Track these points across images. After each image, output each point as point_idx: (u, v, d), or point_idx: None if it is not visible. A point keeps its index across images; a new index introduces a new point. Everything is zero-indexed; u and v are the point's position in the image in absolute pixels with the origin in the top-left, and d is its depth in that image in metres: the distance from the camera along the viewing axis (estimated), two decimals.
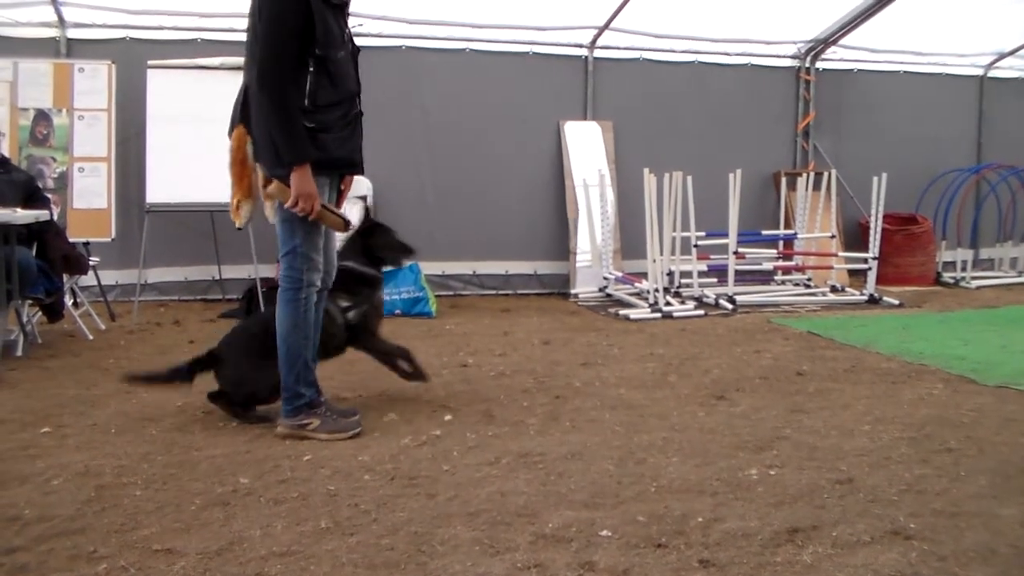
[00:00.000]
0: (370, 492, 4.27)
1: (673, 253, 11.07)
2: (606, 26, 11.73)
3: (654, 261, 10.27)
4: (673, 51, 12.47)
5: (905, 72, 13.96)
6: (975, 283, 12.91)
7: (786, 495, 4.22)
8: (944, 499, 4.20)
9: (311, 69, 4.88)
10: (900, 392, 6.37)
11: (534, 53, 11.98)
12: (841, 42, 12.98)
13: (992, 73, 14.68)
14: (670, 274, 11.17)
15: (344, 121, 5.11)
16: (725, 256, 10.75)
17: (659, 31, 12.10)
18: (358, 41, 5.38)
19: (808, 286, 11.85)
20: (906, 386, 6.57)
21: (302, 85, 4.87)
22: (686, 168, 11.16)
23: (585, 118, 12.17)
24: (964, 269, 13.30)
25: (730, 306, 10.29)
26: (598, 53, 12.17)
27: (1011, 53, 14.32)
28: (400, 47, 11.46)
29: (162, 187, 9.67)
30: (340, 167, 5.25)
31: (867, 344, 8.20)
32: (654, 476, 4.51)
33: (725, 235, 10.70)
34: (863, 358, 7.63)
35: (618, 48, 12.24)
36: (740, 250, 10.95)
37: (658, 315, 9.79)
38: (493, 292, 11.71)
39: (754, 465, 4.68)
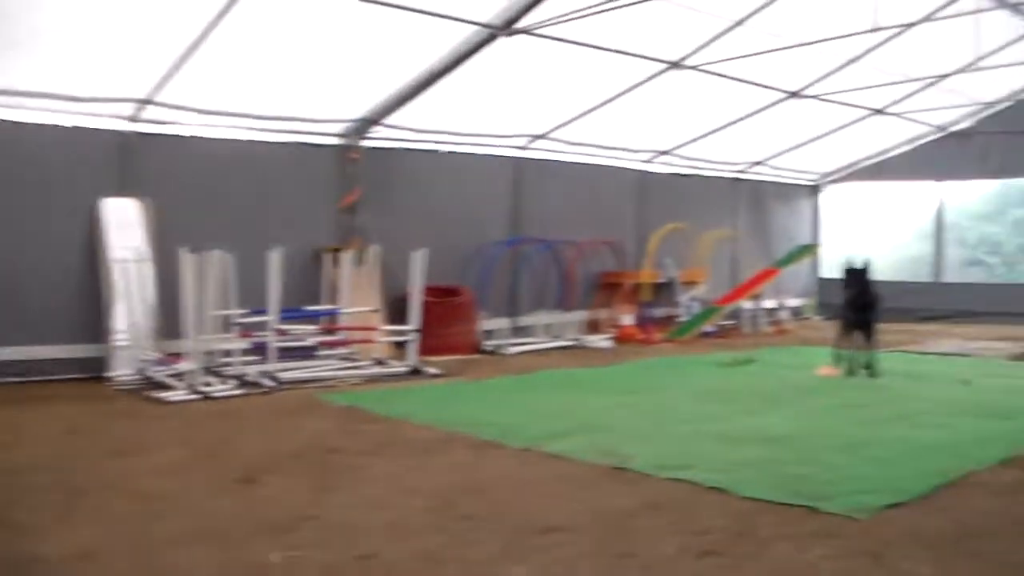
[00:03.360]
0: None
1: (215, 332, 10.77)
2: (148, 100, 11.27)
3: (194, 341, 9.94)
4: (218, 126, 12.20)
5: (448, 152, 14.61)
6: (513, 350, 13.65)
7: None
8: (460, 565, 4.32)
9: None
10: (430, 461, 6.53)
11: (74, 126, 11.26)
12: (386, 121, 13.32)
13: (526, 154, 15.73)
14: (211, 353, 10.85)
15: None
16: (266, 333, 10.60)
17: (204, 106, 11.77)
18: None
19: (353, 360, 11.95)
20: (437, 455, 6.75)
21: None
22: (232, 245, 10.91)
23: (124, 195, 11.60)
24: (503, 337, 14.02)
25: (272, 383, 10.14)
26: (139, 127, 11.66)
27: (542, 136, 15.43)
28: None
29: None
30: None
31: (405, 415, 8.37)
32: (173, 572, 4.28)
33: (267, 312, 10.57)
34: (400, 429, 7.77)
35: (161, 123, 11.78)
36: (282, 327, 10.85)
37: (197, 396, 9.45)
38: (18, 379, 10.67)
39: (278, 548, 4.56)
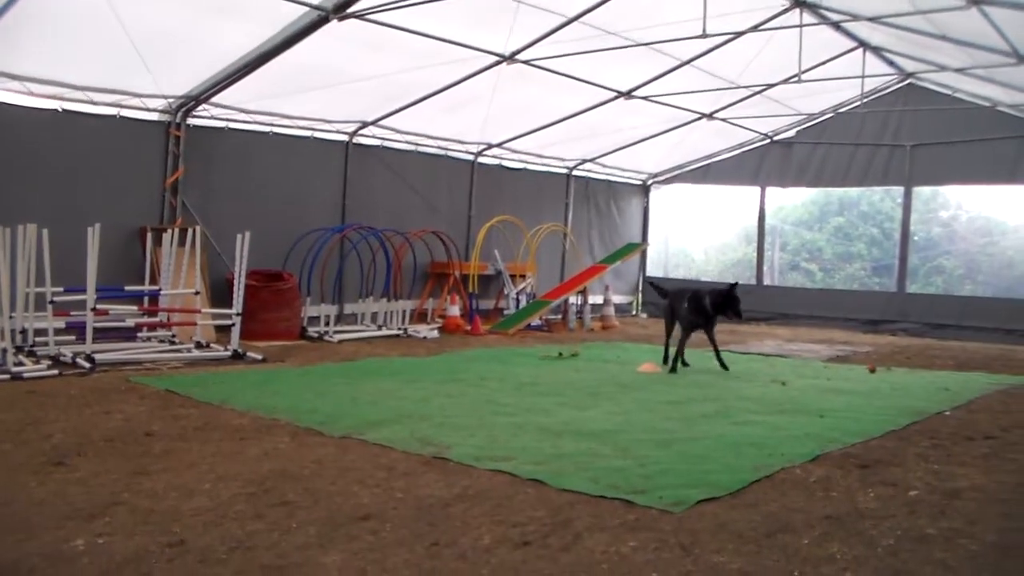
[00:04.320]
0: None
1: (28, 310, 10.32)
2: None
3: (4, 318, 9.50)
4: (33, 95, 11.66)
5: (275, 133, 14.38)
6: (338, 337, 13.53)
7: (112, 564, 4.03)
8: (272, 553, 4.25)
9: None
10: (248, 448, 6.41)
11: None
12: (214, 100, 13.05)
13: (356, 139, 15.61)
14: (24, 332, 10.40)
15: None
16: (83, 312, 10.22)
17: (15, 71, 11.23)
18: None
19: (173, 342, 11.65)
20: (254, 441, 6.63)
21: None
22: (47, 220, 10.50)
23: None
24: (328, 324, 13.89)
25: (88, 365, 9.77)
26: None
27: (373, 123, 15.34)
28: None
29: None
30: None
31: (224, 400, 8.20)
32: None
33: (84, 291, 10.19)
34: (218, 415, 7.61)
35: None
36: (102, 306, 10.49)
37: (6, 376, 9.03)
38: None
39: (83, 535, 4.41)
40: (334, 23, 11.23)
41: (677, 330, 11.91)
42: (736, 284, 11.69)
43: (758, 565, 4.33)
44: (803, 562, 4.39)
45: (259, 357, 11.11)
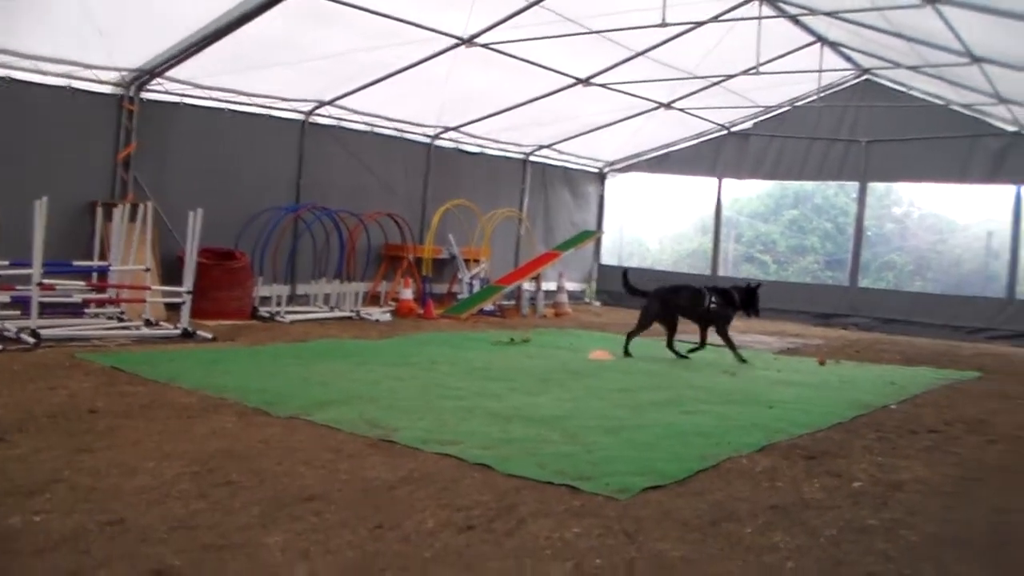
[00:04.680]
0: None
1: None
2: None
3: None
4: None
5: (231, 110, 14.23)
6: (289, 317, 13.45)
7: (49, 542, 3.98)
8: (214, 532, 4.22)
9: None
10: (194, 427, 6.36)
11: None
12: (167, 74, 12.87)
13: (312, 119, 15.50)
14: None
15: None
16: (29, 287, 10.05)
17: None
18: None
19: (121, 319, 11.51)
20: (201, 420, 6.58)
21: None
22: None
23: None
24: (280, 304, 13.79)
25: (32, 340, 9.62)
26: None
27: (330, 102, 15.23)
28: None
29: None
30: None
31: (172, 379, 8.12)
32: None
33: (31, 265, 10.01)
34: (164, 393, 7.53)
35: None
36: (48, 281, 10.32)
37: None
38: None
39: (20, 512, 4.35)
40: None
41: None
42: (760, 284, 12.43)
43: (701, 553, 4.36)
44: (746, 551, 4.43)
45: (209, 336, 11.01)
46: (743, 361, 11.76)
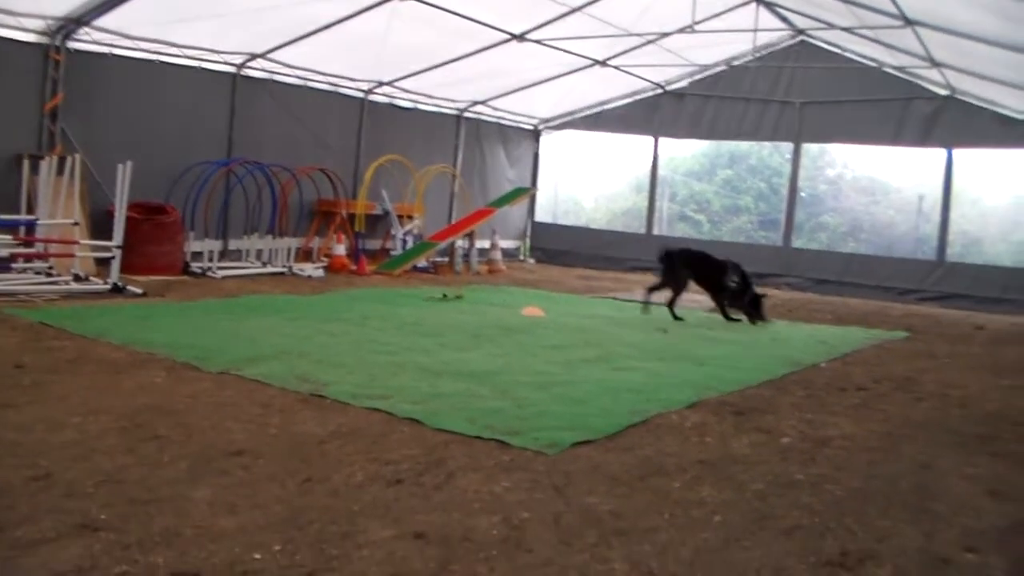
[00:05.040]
0: None
1: None
2: None
3: None
4: None
5: (161, 62, 14.00)
6: (221, 273, 13.34)
7: None
8: (141, 487, 4.22)
9: None
10: (122, 382, 6.32)
11: None
12: (95, 23, 12.58)
13: (244, 72, 15.29)
14: None
15: None
16: None
17: None
18: None
19: (50, 274, 11.33)
20: (129, 375, 6.54)
21: None
22: None
23: None
24: (212, 259, 13.67)
25: None
26: None
27: (262, 55, 15.03)
28: None
29: None
30: None
31: (100, 334, 8.04)
32: None
33: None
34: (92, 348, 7.47)
35: None
36: None
37: None
38: None
39: None
40: None
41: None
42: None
43: (629, 507, 4.44)
44: (674, 504, 4.52)
45: (139, 291, 10.89)
46: (732, 320, 12.21)
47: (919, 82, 17.88)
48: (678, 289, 12.37)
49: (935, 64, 15.53)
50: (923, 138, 18.42)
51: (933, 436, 6.38)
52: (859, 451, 5.81)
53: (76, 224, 11.53)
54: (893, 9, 12.42)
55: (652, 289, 12.52)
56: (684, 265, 12.41)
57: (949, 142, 18.21)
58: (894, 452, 5.85)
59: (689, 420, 6.33)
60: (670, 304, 12.19)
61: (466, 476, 4.72)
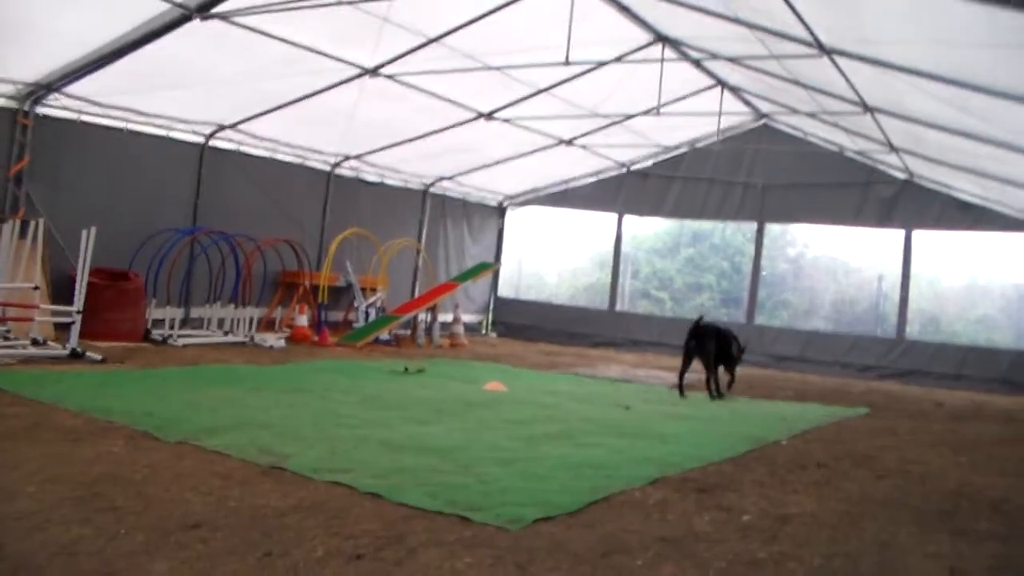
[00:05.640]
0: None
1: None
2: None
3: None
4: None
5: (129, 130, 14.04)
6: (182, 341, 13.25)
7: None
8: (97, 559, 4.15)
9: None
10: (80, 450, 6.23)
11: None
12: (65, 90, 12.65)
13: (212, 143, 15.35)
14: None
15: None
16: None
17: None
18: None
19: (7, 338, 11.20)
20: (87, 444, 6.45)
21: None
22: None
23: None
24: (173, 327, 13.58)
25: None
26: None
27: (230, 127, 15.11)
28: None
29: None
30: None
31: (57, 400, 7.94)
32: None
33: None
34: (49, 415, 7.36)
35: None
36: None
37: None
38: None
39: None
40: (196, 22, 11.04)
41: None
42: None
43: None
44: None
45: (99, 357, 10.78)
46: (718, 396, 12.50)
47: (879, 166, 18.28)
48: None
49: (893, 149, 15.85)
50: (883, 219, 18.78)
51: (894, 514, 6.39)
52: (820, 528, 5.80)
53: (36, 288, 11.42)
54: (854, 96, 12.68)
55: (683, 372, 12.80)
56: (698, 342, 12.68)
57: (908, 223, 18.58)
58: (855, 530, 5.85)
59: (651, 497, 6.31)
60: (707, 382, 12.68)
61: (428, 552, 4.67)
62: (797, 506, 6.37)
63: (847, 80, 11.92)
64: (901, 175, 18.15)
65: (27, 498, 5.01)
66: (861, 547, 5.45)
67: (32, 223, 11.68)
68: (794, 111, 16.64)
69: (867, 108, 13.11)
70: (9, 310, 11.43)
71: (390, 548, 4.68)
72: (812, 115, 16.02)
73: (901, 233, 18.82)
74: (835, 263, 29.36)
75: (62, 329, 11.58)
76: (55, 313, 11.63)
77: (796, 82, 13.74)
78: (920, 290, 22.55)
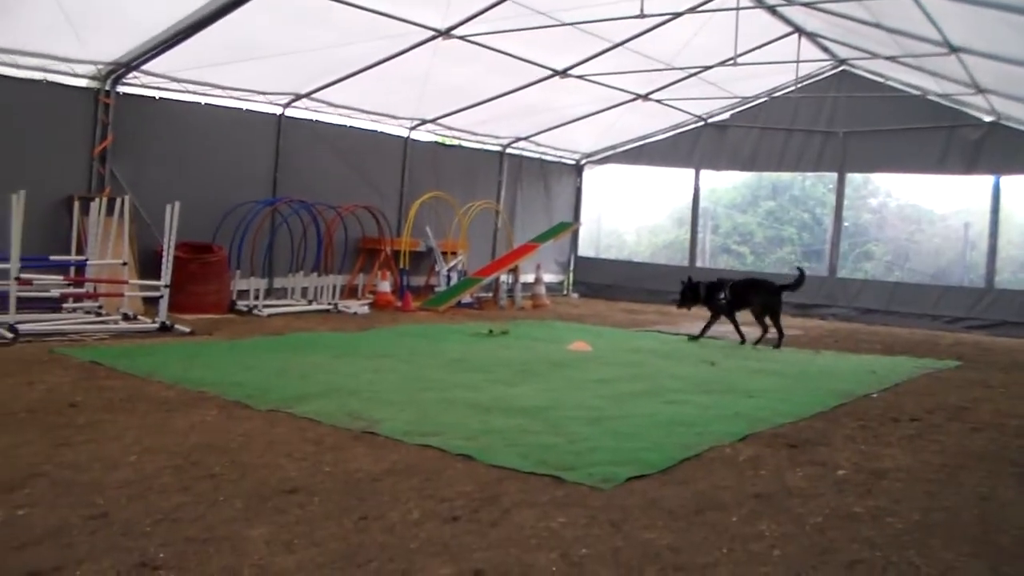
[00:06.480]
0: None
1: None
2: None
3: None
4: None
5: (207, 104, 14.18)
6: (267, 311, 13.41)
7: (32, 536, 3.97)
8: (198, 525, 4.22)
9: None
10: (174, 420, 6.34)
11: None
12: (144, 68, 12.81)
13: (289, 112, 15.45)
14: None
15: None
16: (6, 282, 9.98)
17: None
18: None
19: (99, 314, 11.44)
20: (181, 414, 6.56)
21: None
22: None
23: None
24: (257, 298, 13.76)
25: (10, 335, 9.55)
26: None
27: (306, 95, 15.18)
28: None
29: None
30: None
31: (150, 373, 8.09)
32: None
33: (8, 259, 9.94)
34: (143, 387, 7.50)
35: None
36: (26, 276, 10.24)
37: None
38: None
39: (1, 507, 4.33)
40: None
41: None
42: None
43: (687, 541, 4.37)
44: (732, 539, 4.45)
45: (187, 330, 10.96)
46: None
47: (964, 109, 17.73)
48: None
49: (980, 90, 15.38)
50: (969, 165, 18.23)
51: (992, 467, 6.25)
52: (917, 483, 5.70)
53: (125, 264, 11.65)
54: (937, 36, 12.33)
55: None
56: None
57: (995, 168, 18.02)
58: (953, 484, 5.73)
59: (743, 453, 6.26)
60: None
61: (521, 512, 4.68)
62: (892, 460, 6.27)
63: (931, 19, 11.59)
64: (987, 117, 17.60)
65: (128, 467, 5.12)
66: (960, 501, 5.34)
67: (118, 200, 11.89)
68: (874, 55, 16.24)
69: (952, 48, 12.73)
70: (100, 286, 11.67)
71: (484, 509, 4.69)
72: (892, 59, 15.60)
73: (989, 179, 18.29)
74: (919, 211, 28.78)
75: (151, 303, 11.80)
76: (143, 288, 11.85)
77: (877, 24, 13.39)
78: (1009, 237, 21.97)
